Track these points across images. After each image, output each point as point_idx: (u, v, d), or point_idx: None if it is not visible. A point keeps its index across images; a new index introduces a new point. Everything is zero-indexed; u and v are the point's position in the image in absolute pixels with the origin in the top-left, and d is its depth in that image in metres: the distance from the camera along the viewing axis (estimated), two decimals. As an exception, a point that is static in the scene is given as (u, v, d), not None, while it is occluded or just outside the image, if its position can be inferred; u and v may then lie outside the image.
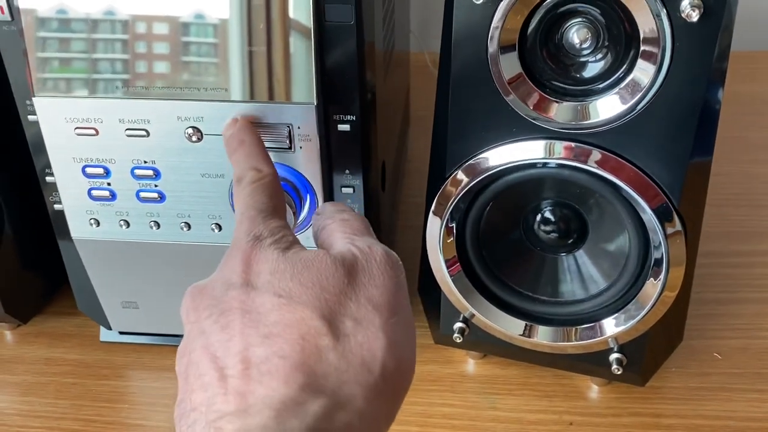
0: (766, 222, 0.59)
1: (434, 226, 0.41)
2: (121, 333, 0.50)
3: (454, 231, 0.41)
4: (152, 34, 0.37)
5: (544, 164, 0.37)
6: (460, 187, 0.39)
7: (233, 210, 0.40)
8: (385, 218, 0.51)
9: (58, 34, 0.37)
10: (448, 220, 0.40)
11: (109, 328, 0.49)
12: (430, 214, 0.41)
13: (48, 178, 0.42)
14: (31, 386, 0.48)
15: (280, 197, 0.31)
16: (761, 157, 0.66)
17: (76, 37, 0.37)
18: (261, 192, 0.30)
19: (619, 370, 0.42)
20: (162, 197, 0.41)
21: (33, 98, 0.39)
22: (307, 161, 0.39)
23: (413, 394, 0.45)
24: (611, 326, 0.41)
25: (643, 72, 0.34)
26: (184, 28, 0.36)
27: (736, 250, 0.56)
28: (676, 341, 0.44)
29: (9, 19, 0.38)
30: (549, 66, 0.36)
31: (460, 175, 0.39)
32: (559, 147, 0.37)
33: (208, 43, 0.36)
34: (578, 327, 0.42)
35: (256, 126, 0.37)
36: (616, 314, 0.41)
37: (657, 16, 0.32)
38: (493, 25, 0.34)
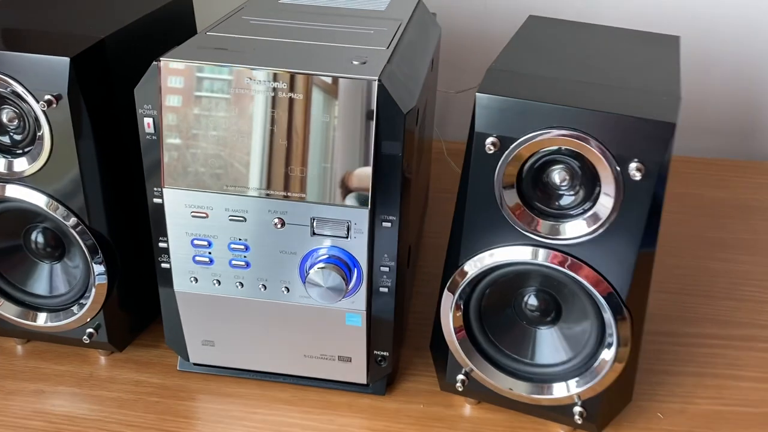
0: (711, 309, 0.73)
1: (447, 302, 0.55)
2: (195, 364, 0.64)
3: (462, 307, 0.55)
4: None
5: (529, 263, 0.51)
6: (468, 275, 0.53)
7: (301, 279, 0.54)
8: (407, 288, 0.65)
9: (184, 147, 0.52)
10: (457, 297, 0.54)
11: (188, 360, 0.63)
12: (445, 291, 0.55)
13: (161, 244, 0.57)
14: (124, 402, 0.61)
15: None
16: (716, 255, 0.80)
17: (204, 150, 0.52)
18: None
19: (579, 420, 0.55)
20: (248, 265, 0.55)
21: (163, 189, 0.54)
22: (358, 247, 0.54)
23: (422, 428, 0.59)
24: (574, 386, 0.54)
25: (603, 208, 0.49)
26: (278, 150, 0.51)
27: (685, 332, 0.70)
28: (626, 400, 0.58)
29: (153, 132, 0.53)
30: (538, 196, 0.50)
31: (468, 266, 0.53)
32: (542, 252, 0.51)
33: (297, 163, 0.51)
34: (549, 384, 0.55)
35: (323, 220, 0.52)
36: (579, 377, 0.54)
37: (613, 172, 0.47)
38: (497, 169, 0.49)
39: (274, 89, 0.50)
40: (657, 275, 0.75)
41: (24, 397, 0.61)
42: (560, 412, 0.57)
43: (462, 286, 0.54)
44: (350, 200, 0.52)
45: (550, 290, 0.55)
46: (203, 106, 0.51)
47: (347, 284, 0.54)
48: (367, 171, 0.51)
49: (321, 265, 0.53)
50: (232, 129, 0.51)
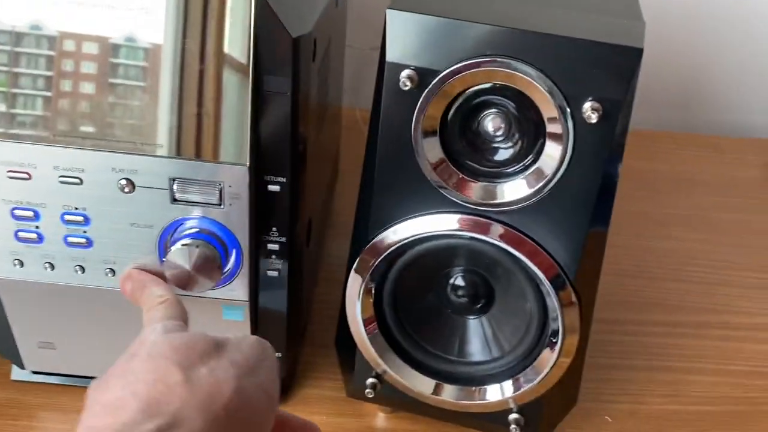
0: (658, 293, 0.64)
1: (354, 285, 0.43)
2: (35, 372, 0.50)
3: (373, 291, 0.43)
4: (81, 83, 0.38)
5: (456, 235, 0.40)
6: (380, 251, 0.42)
7: (161, 260, 0.42)
8: (309, 271, 0.53)
9: (-1, 81, 0.38)
10: (368, 280, 0.43)
11: (22, 367, 0.49)
12: (352, 272, 0.43)
13: (-28, 216, 0.43)
14: (-67, 425, 0.47)
15: (181, 308, 0.38)
16: (659, 233, 0.72)
17: (15, 85, 0.38)
18: (167, 308, 0.37)
19: (516, 430, 0.45)
20: (90, 243, 0.42)
21: (-33, 139, 0.39)
22: (235, 218, 0.41)
23: (323, 445, 0.47)
24: (509, 389, 0.44)
25: (547, 162, 0.38)
26: (121, 88, 0.38)
27: (631, 319, 0.61)
28: (571, 403, 0.48)
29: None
30: (466, 149, 0.39)
31: (381, 239, 0.42)
32: (469, 221, 0.40)
33: (145, 103, 0.38)
34: (480, 387, 0.45)
35: (186, 181, 0.39)
36: (515, 377, 0.44)
37: (562, 114, 0.36)
38: (416, 111, 0.37)
39: (112, 5, 0.37)
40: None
41: None
42: (493, 420, 0.46)
43: (372, 267, 0.42)
44: (223, 155, 0.39)
45: (481, 270, 0.44)
46: (22, 19, 0.37)
47: (220, 268, 0.41)
48: (244, 112, 0.38)
49: (185, 241, 0.40)
50: (59, 53, 0.38)
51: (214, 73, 0.38)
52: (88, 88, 0.38)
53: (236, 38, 0.37)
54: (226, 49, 0.37)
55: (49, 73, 0.38)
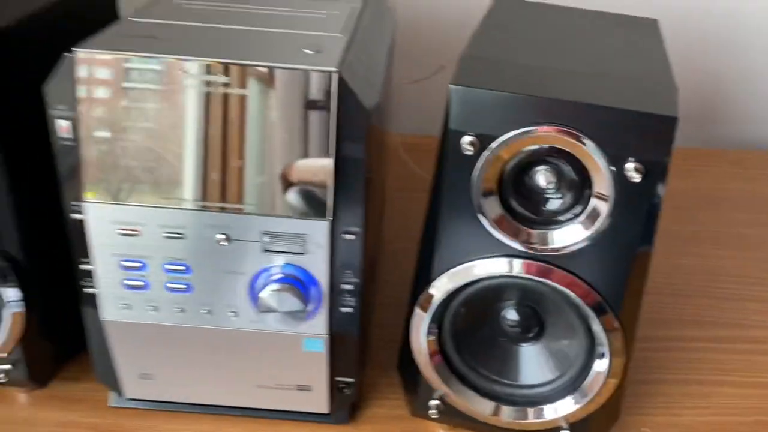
0: (690, 309, 0.69)
1: (419, 322, 0.49)
2: (131, 399, 0.56)
3: (436, 327, 0.49)
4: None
5: (512, 276, 0.46)
6: (443, 292, 0.47)
7: (252, 302, 0.47)
8: (371, 304, 0.59)
9: (107, 152, 0.44)
10: (432, 317, 0.48)
11: (120, 395, 0.55)
12: (417, 309, 0.49)
13: (84, 266, 0.49)
14: (48, 447, 0.53)
15: None
16: (687, 250, 0.76)
17: (130, 157, 0.44)
18: None
19: (567, 444, 0.50)
20: (189, 288, 0.48)
21: (83, 202, 0.45)
22: (317, 264, 0.47)
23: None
24: (562, 409, 0.49)
25: (595, 214, 0.43)
26: (224, 155, 0.44)
27: (665, 335, 0.66)
28: (614, 419, 0.53)
29: (70, 136, 0.44)
30: (522, 201, 0.45)
31: (443, 282, 0.47)
32: (525, 264, 0.45)
33: (242, 169, 0.44)
34: (534, 408, 0.50)
35: (276, 234, 0.45)
36: (566, 398, 0.49)
37: (607, 174, 0.41)
38: (476, 173, 0.42)
39: (210, 83, 0.42)
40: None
41: (-75, 449, 0.52)
42: (547, 435, 0.51)
43: (436, 305, 0.48)
44: (307, 211, 0.45)
45: (531, 304, 0.50)
46: (128, 104, 0.43)
47: (305, 306, 0.47)
48: (328, 177, 0.44)
49: (275, 286, 0.46)
50: (161, 132, 0.43)
51: (301, 141, 0.43)
52: (191, 154, 0.44)
53: (319, 113, 0.43)
54: (311, 122, 0.43)
55: (158, 149, 0.44)
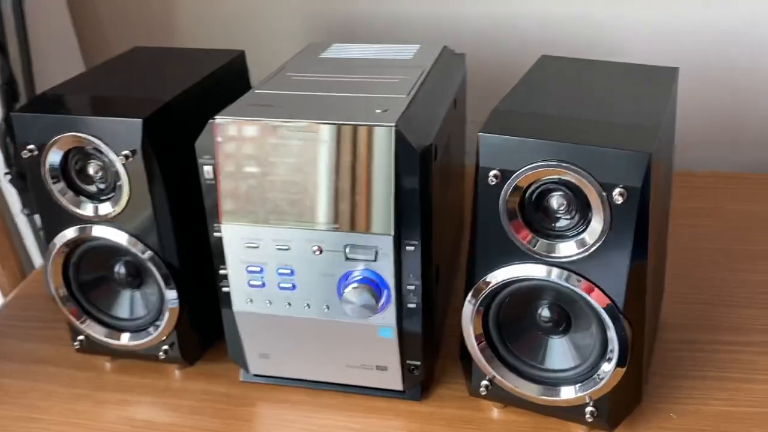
0: (732, 318, 0.77)
1: (468, 311, 0.62)
2: (256, 375, 0.73)
3: (482, 314, 0.62)
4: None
5: (534, 278, 0.58)
6: (484, 289, 0.60)
7: (339, 298, 0.63)
8: (440, 303, 0.73)
9: (236, 189, 0.62)
10: (477, 308, 0.61)
11: (248, 371, 0.73)
12: (466, 302, 0.62)
13: (221, 271, 0.67)
14: (195, 408, 0.71)
15: None
16: (739, 266, 0.84)
17: (253, 192, 0.61)
18: None
19: (591, 418, 0.61)
20: (294, 287, 0.65)
21: (221, 225, 0.63)
22: (385, 269, 0.62)
23: (453, 429, 0.66)
24: (581, 389, 0.61)
25: (595, 228, 0.55)
26: (313, 188, 0.60)
27: (704, 339, 0.74)
28: (635, 402, 0.63)
29: (212, 178, 0.63)
30: (541, 219, 0.57)
31: (485, 281, 0.60)
32: (544, 269, 0.58)
33: (330, 198, 0.60)
34: (563, 387, 0.62)
35: (355, 246, 0.61)
36: (586, 381, 0.61)
37: (600, 198, 0.54)
38: (501, 199, 0.56)
39: (309, 138, 0.59)
40: (679, 287, 0.81)
41: (112, 405, 0.72)
42: (575, 412, 0.63)
43: (480, 299, 0.61)
44: (376, 229, 0.60)
45: (561, 303, 0.62)
46: (250, 155, 0.61)
47: (377, 301, 0.62)
48: (389, 203, 0.59)
49: (354, 285, 0.62)
50: (274, 173, 0.61)
51: (371, 176, 0.59)
52: (295, 189, 0.61)
53: (384, 155, 0.58)
54: (377, 161, 0.59)
55: (272, 187, 0.61)
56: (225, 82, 0.77)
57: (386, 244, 0.61)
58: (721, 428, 0.65)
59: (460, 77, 0.79)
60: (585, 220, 0.56)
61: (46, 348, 0.79)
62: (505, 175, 0.56)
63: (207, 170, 0.63)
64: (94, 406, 0.72)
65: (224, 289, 0.67)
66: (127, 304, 0.73)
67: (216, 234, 0.65)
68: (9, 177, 0.66)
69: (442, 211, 0.70)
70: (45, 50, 1.09)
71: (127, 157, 0.63)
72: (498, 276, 0.60)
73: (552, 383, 0.63)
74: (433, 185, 0.64)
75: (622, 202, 0.53)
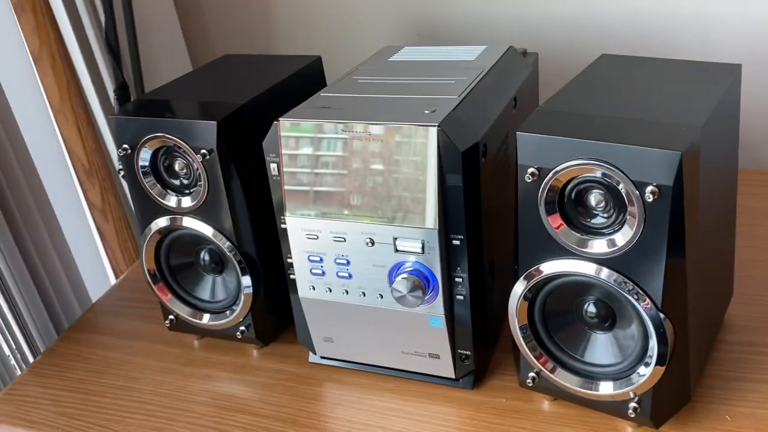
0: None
1: (515, 297, 0.64)
2: (322, 357, 0.79)
3: (528, 301, 0.64)
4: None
5: (574, 273, 0.60)
6: (539, 276, 0.62)
7: (389, 287, 0.67)
8: (497, 297, 0.75)
9: (302, 188, 0.67)
10: (526, 293, 0.63)
11: (315, 354, 0.78)
12: (515, 288, 0.64)
13: (288, 260, 0.73)
14: (267, 385, 0.78)
15: None
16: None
17: (312, 187, 0.67)
18: None
19: (633, 414, 0.62)
20: (350, 276, 0.69)
21: (286, 217, 0.69)
22: (433, 261, 0.65)
23: (501, 418, 0.69)
24: (623, 385, 0.61)
25: (631, 226, 0.56)
26: (367, 185, 0.65)
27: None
28: (683, 401, 0.63)
29: (277, 174, 0.69)
30: (581, 217, 0.59)
31: (530, 273, 0.62)
32: (582, 265, 0.59)
33: (381, 194, 0.64)
34: (606, 383, 0.63)
35: (404, 238, 0.65)
36: (627, 378, 0.61)
37: (634, 195, 0.55)
38: (539, 194, 0.58)
39: (360, 138, 0.64)
40: (752, 289, 0.79)
41: (196, 379, 0.80)
42: (620, 408, 0.64)
43: (533, 283, 0.62)
44: (422, 223, 0.64)
45: (606, 300, 0.63)
46: (308, 154, 0.66)
47: (425, 292, 0.65)
48: (434, 199, 0.63)
49: (404, 275, 0.66)
50: (331, 170, 0.66)
51: (416, 173, 0.63)
52: (348, 185, 0.66)
53: (428, 154, 0.62)
54: (422, 159, 0.62)
55: (328, 182, 0.66)
56: (301, 86, 0.83)
57: (432, 238, 0.64)
58: (778, 433, 0.63)
59: (524, 76, 0.81)
60: (622, 217, 0.57)
61: (144, 326, 0.89)
62: (542, 173, 0.58)
63: (273, 167, 0.69)
64: (180, 379, 0.80)
65: (291, 277, 0.73)
66: (209, 287, 0.81)
67: (282, 225, 0.71)
68: (122, 173, 0.76)
69: (499, 208, 0.72)
70: (156, 55, 1.20)
71: (204, 155, 0.70)
72: (547, 268, 0.61)
73: (593, 377, 0.64)
74: (484, 182, 0.66)
75: (654, 200, 0.54)
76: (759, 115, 1.06)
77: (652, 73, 0.69)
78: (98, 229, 1.13)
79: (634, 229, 0.56)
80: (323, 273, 0.70)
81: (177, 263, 0.81)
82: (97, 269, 1.16)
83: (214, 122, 0.69)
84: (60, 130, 1.06)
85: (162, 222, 0.77)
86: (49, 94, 1.04)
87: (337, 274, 0.70)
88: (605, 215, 0.59)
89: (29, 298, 0.99)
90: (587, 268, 0.60)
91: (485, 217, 0.68)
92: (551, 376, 0.65)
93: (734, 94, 0.66)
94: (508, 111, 0.74)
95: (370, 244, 0.67)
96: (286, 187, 0.68)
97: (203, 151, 0.70)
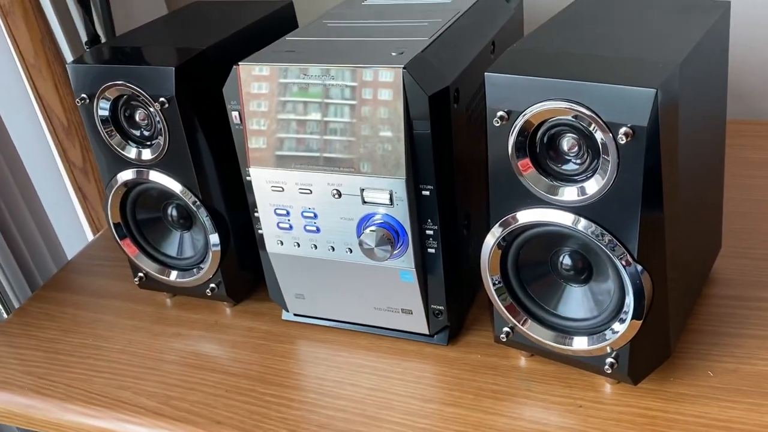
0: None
1: (488, 246, 0.61)
2: (295, 315, 0.76)
3: (502, 250, 0.61)
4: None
5: (546, 223, 0.57)
6: (515, 223, 0.59)
7: (358, 239, 0.64)
8: (469, 251, 0.72)
9: (261, 133, 0.64)
10: (500, 241, 0.60)
11: (288, 311, 0.76)
12: (487, 237, 0.61)
13: (255, 214, 0.70)
14: (237, 343, 0.76)
15: None
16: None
17: (275, 135, 0.64)
18: None
19: (609, 370, 0.59)
20: (318, 230, 0.66)
21: (249, 168, 0.66)
22: (402, 213, 0.62)
23: (475, 374, 0.66)
24: (598, 340, 0.59)
25: (605, 170, 0.53)
26: (331, 131, 0.61)
27: (755, 296, 0.69)
28: (663, 356, 0.61)
29: (239, 123, 0.65)
30: (552, 163, 0.56)
31: (503, 222, 0.59)
32: (555, 213, 0.56)
33: (346, 142, 0.61)
34: (581, 337, 0.60)
35: (370, 190, 0.62)
36: (602, 333, 0.59)
37: (608, 139, 0.51)
38: (509, 138, 0.55)
39: (323, 82, 0.60)
40: (741, 242, 0.76)
41: (166, 337, 0.78)
42: (597, 362, 0.61)
43: (508, 231, 0.59)
44: (389, 172, 0.61)
45: (581, 251, 0.60)
46: (272, 99, 0.63)
47: (394, 245, 0.63)
48: (400, 146, 0.59)
49: (372, 228, 0.63)
50: (292, 117, 0.62)
51: (382, 119, 0.59)
52: (312, 133, 0.63)
53: (394, 98, 0.58)
54: (387, 103, 0.59)
55: (293, 130, 0.63)
56: (270, 31, 0.79)
57: (400, 188, 0.61)
58: (763, 388, 0.61)
59: (504, 19, 0.77)
60: (596, 164, 0.54)
61: (116, 284, 0.87)
62: (512, 117, 0.55)
63: (234, 115, 0.65)
64: (149, 337, 0.78)
65: (259, 232, 0.70)
66: (176, 243, 0.78)
67: (247, 178, 0.68)
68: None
69: (478, 158, 0.69)
70: (131, 5, 1.16)
71: (162, 104, 0.67)
72: (523, 217, 0.58)
73: (567, 331, 0.61)
74: (457, 130, 0.63)
75: (627, 143, 0.50)
76: (756, 63, 1.02)
77: (634, 10, 0.65)
78: (79, 188, 1.10)
79: (607, 176, 0.53)
80: (290, 227, 0.68)
81: (144, 218, 0.78)
82: (76, 229, 1.13)
83: (172, 68, 0.66)
84: (35, 87, 1.03)
85: (127, 174, 0.74)
86: (22, 48, 1.01)
87: (304, 227, 0.67)
88: (578, 161, 0.55)
89: (3, 259, 0.97)
90: (564, 218, 0.56)
91: (459, 167, 0.65)
92: (524, 330, 0.63)
93: (721, 33, 0.62)
94: (485, 55, 0.71)
95: (337, 196, 0.64)
96: (249, 136, 0.65)
97: (162, 99, 0.67)
